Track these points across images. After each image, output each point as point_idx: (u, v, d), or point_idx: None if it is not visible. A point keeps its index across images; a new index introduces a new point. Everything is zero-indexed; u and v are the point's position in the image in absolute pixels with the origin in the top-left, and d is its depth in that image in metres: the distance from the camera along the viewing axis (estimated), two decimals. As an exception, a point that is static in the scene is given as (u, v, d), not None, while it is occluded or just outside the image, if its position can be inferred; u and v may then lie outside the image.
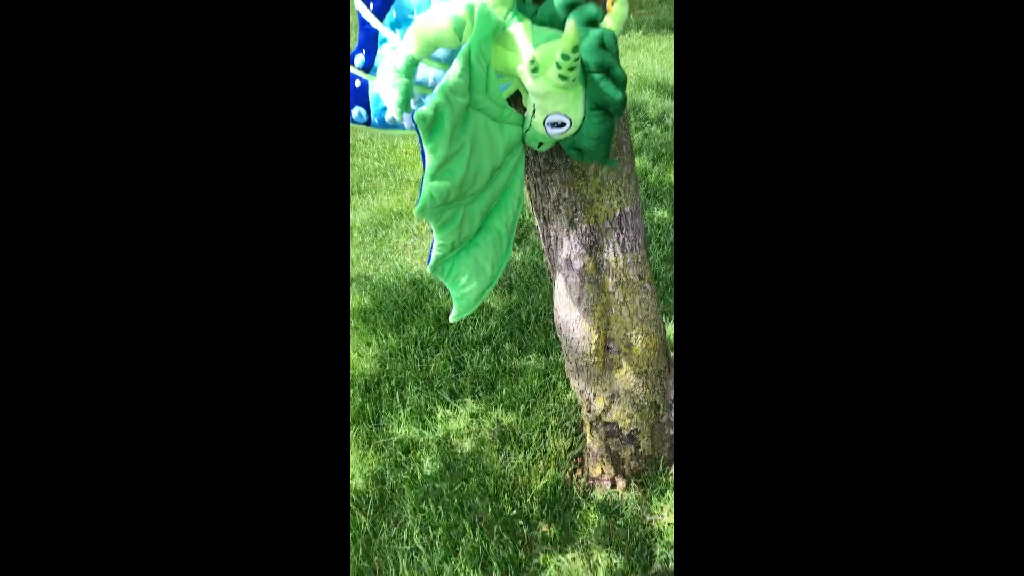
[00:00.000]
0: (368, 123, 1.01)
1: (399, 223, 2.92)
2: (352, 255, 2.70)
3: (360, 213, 3.04)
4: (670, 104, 3.67)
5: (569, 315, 1.30)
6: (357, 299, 2.34)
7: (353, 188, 3.32)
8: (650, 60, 4.52)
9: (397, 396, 1.86)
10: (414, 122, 0.80)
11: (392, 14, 0.93)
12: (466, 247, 1.01)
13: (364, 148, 3.78)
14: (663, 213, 2.64)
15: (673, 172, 2.94)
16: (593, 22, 0.79)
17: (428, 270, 0.99)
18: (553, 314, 1.37)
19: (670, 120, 3.46)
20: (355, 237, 2.84)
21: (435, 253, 0.97)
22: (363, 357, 2.05)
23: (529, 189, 1.22)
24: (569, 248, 1.23)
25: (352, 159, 3.68)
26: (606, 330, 1.28)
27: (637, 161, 2.94)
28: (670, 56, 4.51)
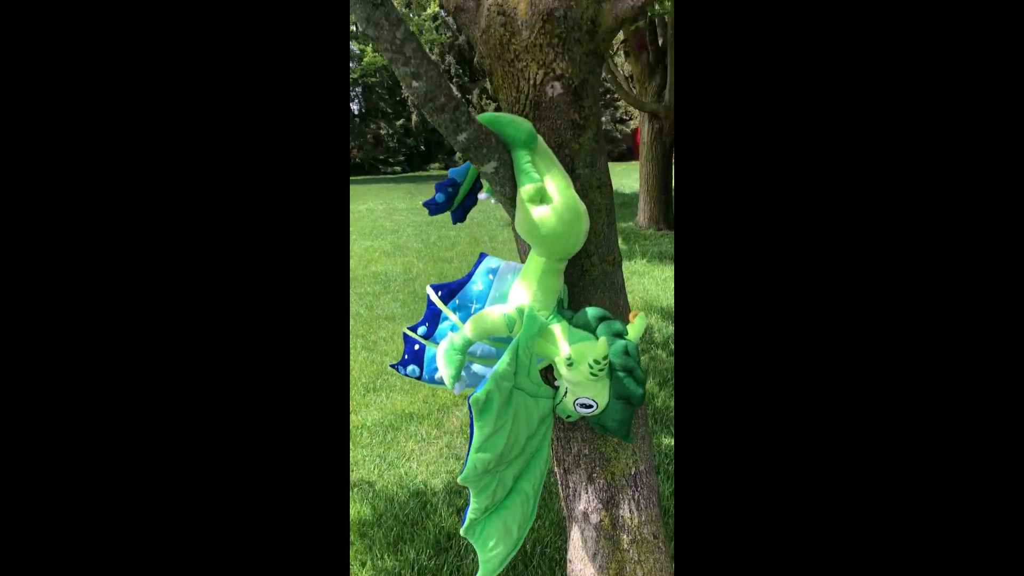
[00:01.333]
0: (419, 378, 1.17)
1: (408, 426, 2.98)
2: (358, 456, 2.71)
3: (372, 412, 3.12)
4: (672, 330, 3.96)
5: (584, 570, 1.30)
6: (357, 508, 2.30)
7: (369, 385, 3.44)
8: (654, 287, 4.97)
9: (389, 633, 1.73)
10: (469, 404, 0.96)
11: (456, 301, 1.17)
12: (496, 509, 1.09)
13: (384, 346, 3.99)
14: (669, 440, 2.69)
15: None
16: (619, 334, 1.01)
17: (461, 532, 1.06)
18: (566, 565, 1.36)
19: (673, 346, 3.71)
20: (364, 437, 2.87)
21: (469, 516, 1.04)
22: (357, 580, 1.95)
23: (552, 441, 1.32)
24: (587, 502, 1.29)
25: (371, 355, 3.87)
26: (619, 589, 1.28)
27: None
28: (671, 284, 4.97)
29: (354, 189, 15.16)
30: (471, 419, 0.96)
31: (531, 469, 1.13)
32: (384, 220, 9.47)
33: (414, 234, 8.08)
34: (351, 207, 11.15)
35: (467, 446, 0.95)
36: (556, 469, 1.34)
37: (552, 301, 1.08)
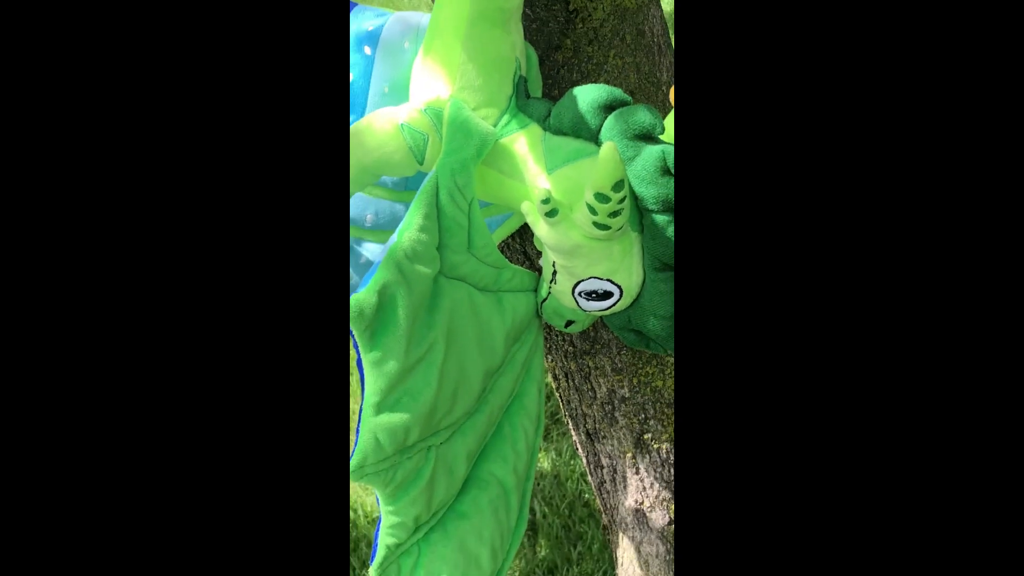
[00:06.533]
0: None
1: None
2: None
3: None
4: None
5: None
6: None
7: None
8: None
9: None
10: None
11: None
12: (440, 525, 0.66)
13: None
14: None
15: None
16: (647, 135, 0.54)
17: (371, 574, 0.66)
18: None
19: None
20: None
21: (381, 543, 0.64)
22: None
23: (556, 380, 0.78)
24: (639, 490, 0.78)
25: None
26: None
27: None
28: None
29: None
30: (355, 349, 0.56)
31: (504, 438, 0.68)
32: None
33: None
34: None
35: (359, 405, 0.57)
36: (574, 437, 0.83)
37: (503, 84, 0.58)
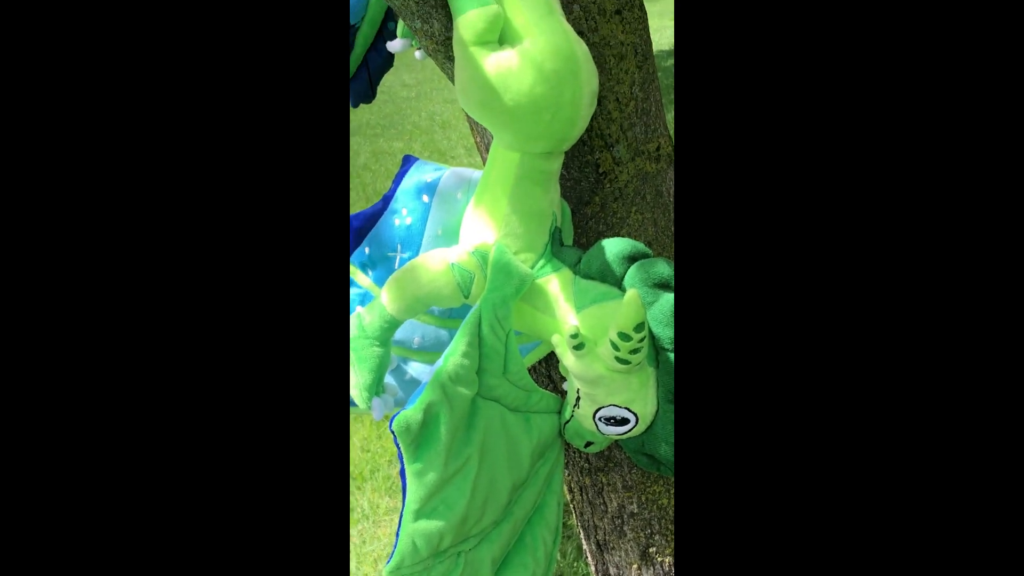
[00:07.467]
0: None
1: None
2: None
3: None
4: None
5: None
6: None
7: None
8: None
9: None
10: (392, 430, 0.57)
11: (365, 249, 0.68)
12: None
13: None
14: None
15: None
16: (664, 284, 0.59)
17: None
18: None
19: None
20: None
21: None
22: None
23: (571, 493, 0.80)
24: None
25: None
26: None
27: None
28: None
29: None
30: (400, 459, 0.59)
31: (525, 547, 0.69)
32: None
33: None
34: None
35: (400, 512, 0.60)
36: (585, 546, 0.83)
37: (541, 233, 0.63)
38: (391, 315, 0.62)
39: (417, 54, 0.69)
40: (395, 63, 0.75)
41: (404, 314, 0.62)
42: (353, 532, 1.48)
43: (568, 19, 0.59)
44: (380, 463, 1.65)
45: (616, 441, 0.66)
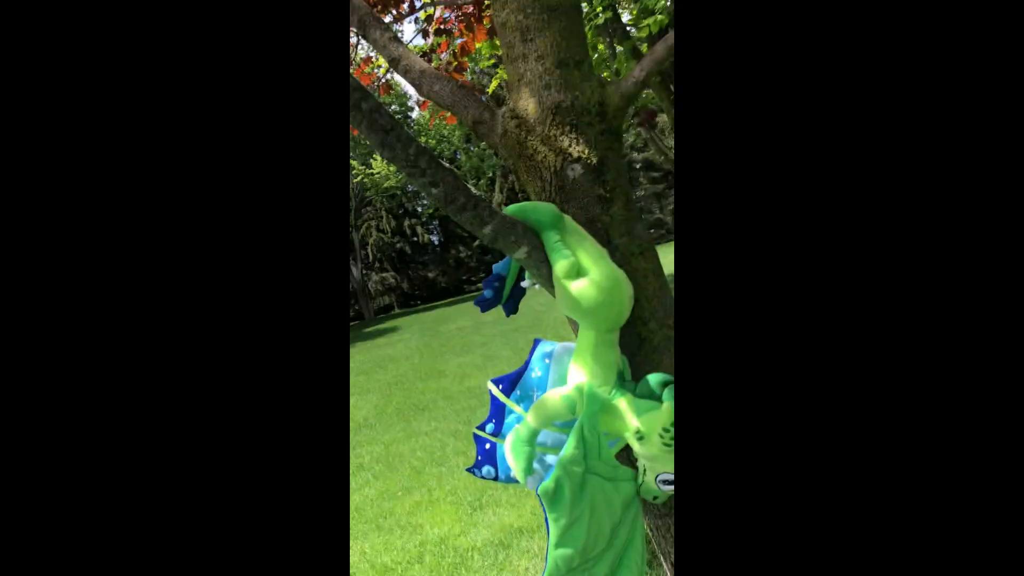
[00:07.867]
0: (496, 479, 1.14)
1: (520, 541, 2.82)
2: (472, 582, 2.58)
3: (481, 532, 3.00)
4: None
5: None
6: (477, 640, 2.15)
7: (474, 503, 3.35)
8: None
9: None
10: (538, 495, 0.94)
11: (517, 391, 1.16)
12: None
13: (486, 460, 3.95)
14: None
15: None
16: None
17: None
18: None
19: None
20: (475, 560, 2.75)
21: None
22: None
23: (650, 530, 1.20)
24: None
25: (474, 472, 3.81)
26: None
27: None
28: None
29: (443, 312, 15.89)
30: (544, 512, 0.94)
31: (624, 566, 1.05)
32: (473, 335, 9.75)
33: (504, 343, 8.22)
34: (442, 328, 11.63)
35: (546, 544, 0.93)
36: (665, 566, 1.22)
37: (611, 374, 1.06)
38: (534, 427, 1.04)
39: (535, 286, 1.26)
40: (527, 292, 1.34)
41: (541, 426, 1.07)
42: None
43: (613, 258, 1.14)
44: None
45: (672, 495, 1.05)
